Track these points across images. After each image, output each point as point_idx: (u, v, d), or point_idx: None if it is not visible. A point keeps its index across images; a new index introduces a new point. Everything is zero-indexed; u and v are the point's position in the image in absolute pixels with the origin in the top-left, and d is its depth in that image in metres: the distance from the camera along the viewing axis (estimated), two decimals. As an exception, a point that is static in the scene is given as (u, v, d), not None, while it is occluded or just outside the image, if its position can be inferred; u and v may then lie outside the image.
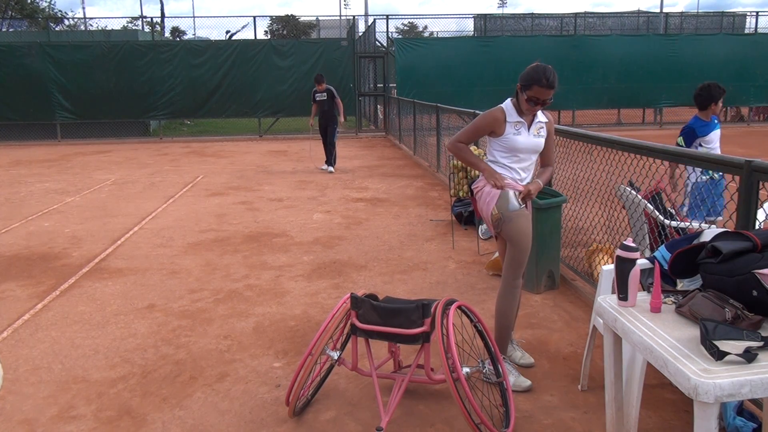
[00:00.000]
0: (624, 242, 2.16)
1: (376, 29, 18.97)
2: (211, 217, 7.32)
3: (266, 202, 8.15)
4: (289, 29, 40.64)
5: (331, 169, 10.95)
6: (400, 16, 70.31)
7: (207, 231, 6.62)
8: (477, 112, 7.47)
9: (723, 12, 37.23)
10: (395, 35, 20.58)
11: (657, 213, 4.21)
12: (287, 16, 40.36)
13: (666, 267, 2.36)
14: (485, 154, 3.45)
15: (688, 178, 4.62)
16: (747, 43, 18.75)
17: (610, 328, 2.19)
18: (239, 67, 17.10)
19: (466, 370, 2.52)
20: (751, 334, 1.81)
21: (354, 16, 20.13)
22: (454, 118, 9.25)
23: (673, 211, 4.45)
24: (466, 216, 6.57)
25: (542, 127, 3.16)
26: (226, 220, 7.11)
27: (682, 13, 37.92)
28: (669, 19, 28.00)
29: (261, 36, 35.75)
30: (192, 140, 17.38)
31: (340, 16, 40.03)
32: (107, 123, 17.28)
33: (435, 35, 27.90)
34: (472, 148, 6.00)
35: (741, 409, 2.54)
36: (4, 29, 27.31)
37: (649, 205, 4.23)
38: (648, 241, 4.25)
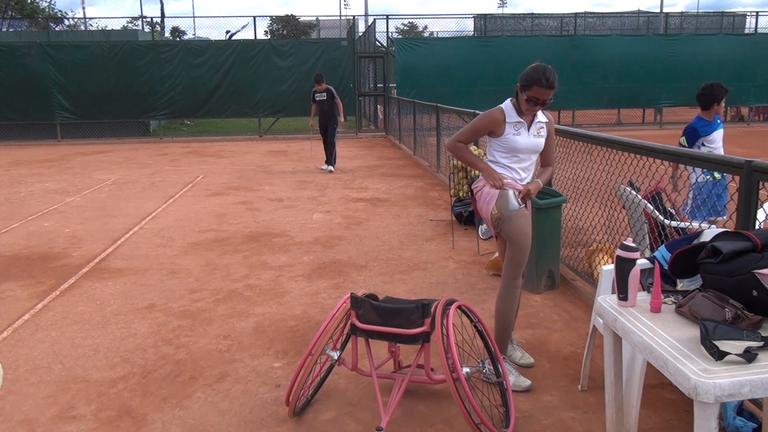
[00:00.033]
0: (624, 242, 2.16)
1: (376, 29, 18.98)
2: (211, 217, 7.32)
3: (266, 202, 8.16)
4: (289, 29, 40.64)
5: (330, 168, 10.95)
6: (400, 16, 70.34)
7: (207, 231, 6.62)
8: (477, 112, 7.47)
9: (723, 12, 37.23)
10: (395, 35, 20.58)
11: (657, 213, 4.21)
12: (287, 16, 40.37)
13: (666, 267, 2.36)
14: (485, 154, 3.45)
15: (688, 178, 4.62)
16: (747, 43, 18.75)
17: (610, 328, 2.19)
18: (239, 67, 17.10)
19: (466, 370, 2.52)
20: (751, 334, 1.81)
21: (354, 16, 20.15)
22: (454, 118, 9.25)
23: (673, 211, 4.45)
24: (466, 216, 6.57)
25: (542, 127, 3.16)
26: (226, 220, 7.11)
27: (682, 13, 37.93)
28: (669, 19, 28.01)
29: (261, 36, 35.76)
30: (192, 140, 17.38)
31: (340, 16, 40.06)
32: (107, 123, 17.28)
33: (435, 35, 27.91)
34: (472, 148, 6.01)
35: (741, 409, 2.54)
36: (4, 29, 27.32)
37: (649, 205, 4.24)
38: (648, 241, 4.25)
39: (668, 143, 3.60)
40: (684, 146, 4.82)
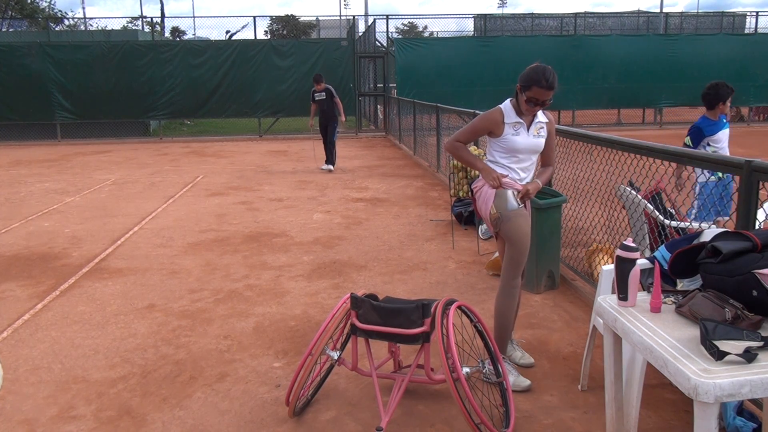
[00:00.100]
0: (624, 242, 2.16)
1: (376, 29, 18.99)
2: (211, 217, 7.32)
3: (266, 202, 8.16)
4: (289, 29, 40.64)
5: (330, 168, 10.95)
6: (400, 16, 70.35)
7: (207, 231, 6.62)
8: (477, 112, 7.47)
9: (723, 12, 37.24)
10: (395, 35, 20.58)
11: (657, 213, 4.21)
12: (287, 16, 40.37)
13: (666, 267, 2.36)
14: (485, 154, 3.45)
15: (694, 178, 4.61)
16: (747, 43, 18.75)
17: (610, 328, 2.19)
18: (239, 67, 17.10)
19: (466, 370, 2.52)
20: (751, 334, 1.81)
21: (354, 16, 20.15)
22: (454, 118, 9.25)
23: (673, 211, 4.44)
24: (466, 216, 6.57)
25: (542, 128, 3.16)
26: (226, 220, 7.11)
27: (682, 13, 37.93)
28: (669, 19, 28.01)
29: (261, 36, 35.77)
30: (192, 140, 17.38)
31: (340, 16, 40.05)
32: (107, 123, 17.28)
33: (435, 35, 27.91)
34: (472, 148, 6.01)
35: (741, 409, 2.54)
36: (4, 29, 27.31)
37: (649, 205, 4.23)
38: (648, 241, 4.25)
39: (668, 143, 3.60)
40: (689, 146, 4.81)
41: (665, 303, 2.13)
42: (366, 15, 28.85)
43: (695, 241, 2.38)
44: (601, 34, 23.85)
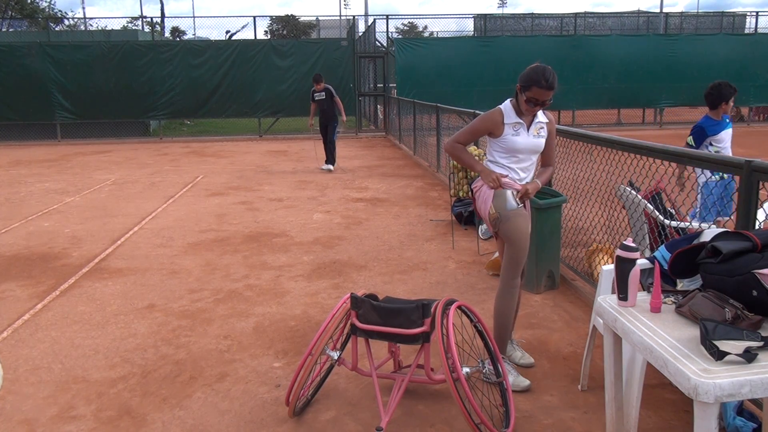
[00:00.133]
0: (624, 242, 2.16)
1: (376, 29, 18.98)
2: (211, 217, 7.32)
3: (266, 202, 8.16)
4: (289, 29, 40.65)
5: (330, 167, 10.96)
6: (400, 16, 70.37)
7: (207, 231, 6.62)
8: (477, 112, 7.47)
9: (723, 12, 37.24)
10: (395, 35, 20.58)
11: (657, 213, 4.21)
12: (287, 16, 40.38)
13: (666, 267, 2.36)
14: (485, 154, 3.45)
15: (696, 178, 4.60)
16: (747, 43, 18.75)
17: (610, 328, 2.19)
18: (239, 67, 17.10)
19: (466, 370, 2.52)
20: (751, 334, 1.81)
21: (354, 16, 20.14)
22: (454, 118, 9.25)
23: (673, 211, 4.44)
24: (466, 216, 6.57)
25: (542, 128, 3.16)
26: (226, 220, 7.12)
27: (682, 13, 37.94)
28: (669, 19, 28.01)
29: (261, 36, 35.77)
30: (192, 140, 17.38)
31: (340, 16, 40.06)
32: (107, 123, 17.28)
33: (435, 35, 27.91)
34: (472, 147, 6.01)
35: (741, 409, 2.54)
36: (4, 29, 27.32)
37: (649, 205, 4.23)
38: (648, 241, 4.25)
39: (668, 143, 3.60)
40: (691, 145, 4.80)
41: (665, 303, 2.13)
42: (366, 15, 28.85)
43: (695, 241, 2.38)
44: (601, 34, 23.85)
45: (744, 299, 1.96)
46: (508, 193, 3.07)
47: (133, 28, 29.87)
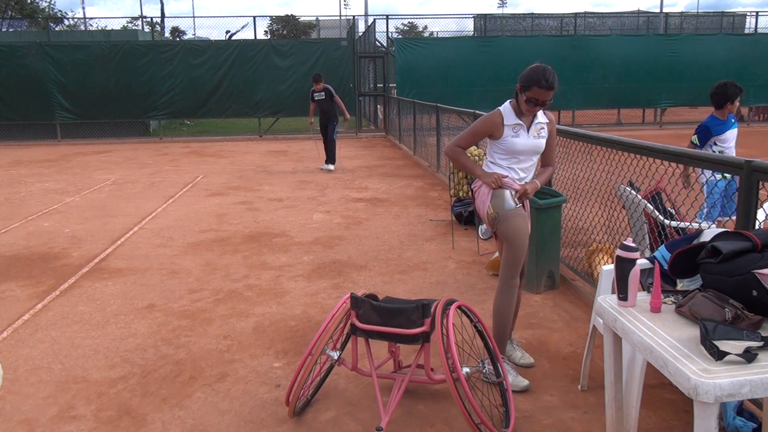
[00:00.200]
0: (624, 242, 2.16)
1: (376, 29, 18.98)
2: (211, 217, 7.32)
3: (266, 202, 8.16)
4: (289, 29, 40.65)
5: (331, 167, 10.96)
6: (400, 16, 70.39)
7: (207, 231, 6.62)
8: (477, 112, 7.47)
9: (723, 12, 37.25)
10: (395, 35, 20.58)
11: (657, 213, 4.21)
12: (287, 16, 40.38)
13: (666, 267, 2.36)
14: (485, 154, 3.45)
15: (702, 174, 4.59)
16: (747, 43, 18.75)
17: (610, 328, 2.19)
18: (239, 67, 17.09)
19: (466, 370, 2.52)
20: (751, 334, 1.81)
21: (354, 16, 20.12)
22: (454, 118, 9.25)
23: (673, 211, 4.44)
24: (466, 216, 6.57)
25: (543, 128, 3.16)
26: (226, 220, 7.12)
27: (682, 13, 37.94)
28: (669, 19, 28.01)
29: (261, 36, 35.77)
30: (192, 140, 17.38)
31: (340, 16, 40.06)
32: (107, 123, 17.28)
33: (435, 35, 27.91)
34: (472, 147, 6.00)
35: (741, 409, 2.54)
36: (4, 29, 27.31)
37: (649, 205, 4.23)
38: (648, 241, 4.25)
39: (668, 143, 3.60)
40: (696, 144, 4.80)
41: (665, 303, 2.13)
42: (366, 15, 28.85)
43: (695, 241, 2.38)
44: (601, 34, 23.84)
45: (744, 299, 1.96)
46: (507, 193, 3.07)
47: (133, 28, 29.89)
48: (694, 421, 1.72)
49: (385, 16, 18.38)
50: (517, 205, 3.08)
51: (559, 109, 17.33)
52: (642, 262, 2.30)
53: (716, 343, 1.75)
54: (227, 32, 25.21)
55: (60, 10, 36.73)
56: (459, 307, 2.77)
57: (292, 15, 40.39)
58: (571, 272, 4.75)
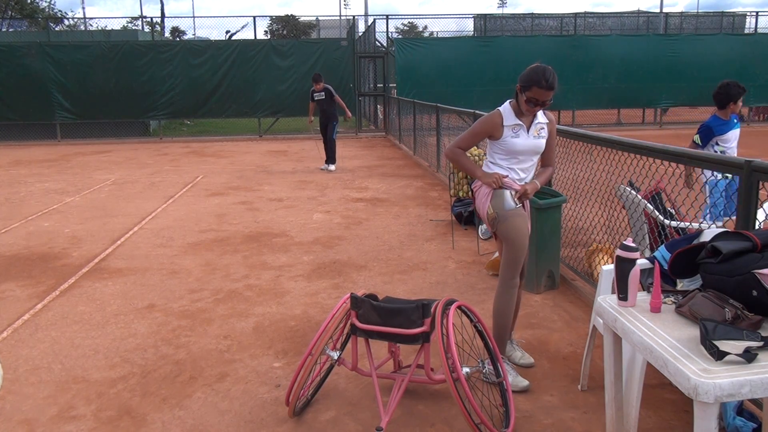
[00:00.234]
0: (624, 242, 2.16)
1: (376, 29, 18.98)
2: (211, 217, 7.32)
3: (266, 202, 8.16)
4: (289, 29, 40.65)
5: (332, 167, 10.97)
6: (400, 16, 70.40)
7: (207, 231, 6.62)
8: (477, 112, 7.47)
9: (723, 12, 37.25)
10: (395, 35, 20.58)
11: (657, 213, 4.21)
12: (287, 16, 40.38)
13: (666, 267, 2.36)
14: (485, 154, 3.45)
15: (702, 174, 4.58)
16: (747, 43, 18.74)
17: (610, 328, 2.19)
18: (239, 67, 17.09)
19: (466, 370, 2.52)
20: (751, 334, 1.81)
21: (354, 16, 20.12)
22: (454, 118, 9.25)
23: (673, 211, 4.44)
24: (466, 216, 6.57)
25: (543, 128, 3.16)
26: (226, 220, 7.12)
27: (682, 13, 37.95)
28: (669, 19, 28.01)
29: (261, 36, 35.77)
30: (192, 140, 17.38)
31: (340, 16, 40.06)
32: (107, 123, 17.28)
33: (435, 35, 27.91)
34: (472, 147, 6.01)
35: (741, 409, 2.54)
36: (4, 29, 27.31)
37: (649, 205, 4.23)
38: (648, 241, 4.25)
39: (668, 143, 3.60)
40: (698, 144, 4.80)
41: (665, 303, 2.13)
42: (366, 15, 28.85)
43: (695, 241, 2.38)
44: (601, 34, 23.84)
45: (744, 299, 1.96)
46: (507, 193, 3.07)
47: (133, 28, 29.89)
48: (694, 421, 1.72)
49: (385, 16, 18.39)
50: (517, 205, 3.08)
51: (559, 109, 17.33)
52: (642, 262, 2.30)
53: (716, 343, 1.75)
54: (227, 32, 25.23)
55: (60, 10, 36.75)
56: (459, 307, 2.77)
57: (292, 15, 40.42)
58: (571, 272, 4.75)
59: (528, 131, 3.11)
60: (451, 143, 3.30)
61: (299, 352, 3.57)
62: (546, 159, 3.29)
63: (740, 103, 4.76)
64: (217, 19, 40.30)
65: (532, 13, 33.14)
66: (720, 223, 3.58)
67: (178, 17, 73.42)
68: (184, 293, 4.65)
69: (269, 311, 4.25)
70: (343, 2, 77.21)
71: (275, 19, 42.22)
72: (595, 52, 17.99)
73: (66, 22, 32.11)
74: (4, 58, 16.33)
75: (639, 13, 33.97)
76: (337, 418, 2.86)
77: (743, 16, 27.86)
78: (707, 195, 4.56)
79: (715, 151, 4.80)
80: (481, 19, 22.88)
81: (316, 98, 10.91)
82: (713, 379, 1.64)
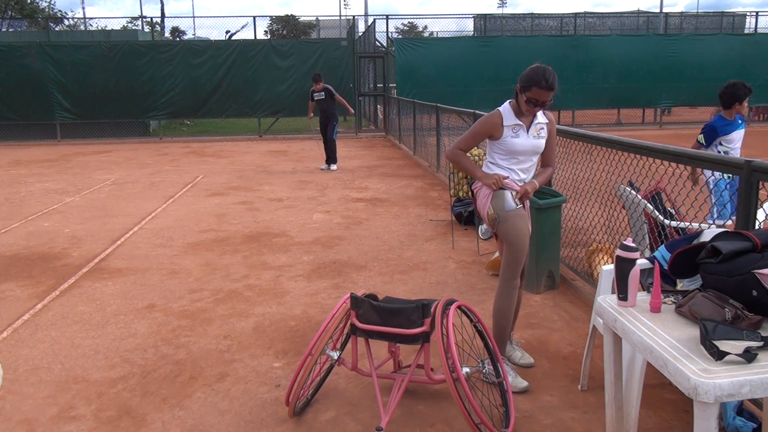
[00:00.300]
0: (624, 242, 2.16)
1: (376, 29, 18.99)
2: (211, 217, 7.32)
3: (266, 202, 8.16)
4: (289, 29, 40.65)
5: (333, 167, 10.98)
6: (400, 16, 70.40)
7: (207, 231, 6.62)
8: (477, 112, 7.47)
9: (723, 12, 37.25)
10: (395, 35, 20.58)
11: (657, 213, 4.21)
12: (287, 16, 40.38)
13: (666, 267, 2.36)
14: (484, 154, 3.45)
15: (702, 173, 4.57)
16: (747, 43, 18.74)
17: (610, 328, 2.19)
18: (239, 67, 17.10)
19: (466, 370, 2.52)
20: (751, 334, 1.81)
21: (354, 16, 20.12)
22: (454, 118, 9.25)
23: (673, 211, 4.44)
24: (466, 216, 6.57)
25: (542, 128, 3.16)
26: (226, 220, 7.11)
27: (682, 13, 37.95)
28: (669, 19, 28.01)
29: (261, 36, 35.76)
30: (192, 140, 17.38)
31: (340, 16, 40.06)
32: (107, 123, 17.28)
33: (435, 35, 27.92)
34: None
35: (741, 409, 2.54)
36: (4, 29, 27.31)
37: (649, 205, 4.23)
38: (648, 241, 4.25)
39: (668, 143, 3.60)
40: (702, 144, 4.79)
41: (665, 303, 2.13)
42: (366, 15, 28.86)
43: (695, 241, 2.38)
44: (601, 34, 23.85)
45: (744, 299, 1.96)
46: (507, 193, 3.07)
47: (133, 28, 29.89)
48: (694, 421, 1.72)
49: (385, 16, 18.39)
50: (517, 205, 3.08)
51: (559, 109, 17.33)
52: (642, 262, 2.30)
53: (716, 343, 1.75)
54: (227, 32, 25.24)
55: (60, 10, 36.73)
56: (459, 307, 2.77)
57: (292, 15, 40.41)
58: (571, 272, 4.75)
59: (528, 131, 3.11)
60: (451, 144, 3.30)
61: (299, 352, 3.57)
62: (546, 159, 3.29)
63: (746, 104, 4.75)
64: (217, 19, 40.37)
65: (532, 13, 33.14)
66: (721, 222, 3.58)
67: (178, 17, 73.44)
68: (184, 293, 4.65)
69: (269, 311, 4.25)
70: (343, 2, 77.28)
71: (275, 19, 42.22)
72: (595, 52, 17.99)
73: (66, 22, 32.14)
74: (4, 58, 16.33)
75: (639, 13, 33.97)
76: (337, 418, 2.86)
77: (743, 16, 27.87)
78: (711, 195, 4.55)
79: (719, 152, 4.78)
80: (481, 19, 22.88)
81: (316, 98, 10.91)
82: (713, 379, 1.64)
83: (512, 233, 3.05)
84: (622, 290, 2.15)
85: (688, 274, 2.30)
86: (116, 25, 54.75)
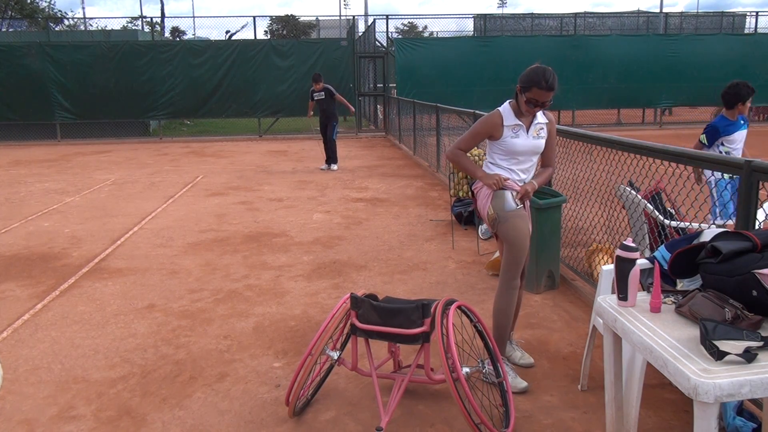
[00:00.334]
0: (624, 242, 2.16)
1: (376, 29, 18.98)
2: (211, 217, 7.32)
3: (266, 202, 8.16)
4: (288, 29, 40.65)
5: (334, 167, 10.98)
6: (400, 16, 70.42)
7: (207, 231, 6.62)
8: (477, 112, 7.47)
9: (723, 12, 37.25)
10: (395, 35, 20.58)
11: (657, 213, 4.21)
12: (287, 16, 40.38)
13: (666, 267, 2.36)
14: (484, 153, 3.45)
15: (711, 174, 4.57)
16: (747, 43, 18.75)
17: (610, 328, 2.19)
18: (239, 67, 17.10)
19: (466, 370, 2.52)
20: (751, 334, 1.81)
21: (354, 16, 20.12)
22: (454, 118, 9.24)
23: (672, 211, 4.44)
24: (466, 216, 6.57)
25: (542, 129, 3.16)
26: (226, 220, 7.11)
27: (682, 13, 37.95)
28: (669, 19, 28.01)
29: (261, 36, 35.77)
30: (192, 140, 17.38)
31: (340, 16, 40.06)
32: (107, 123, 17.28)
33: (435, 35, 27.92)
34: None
35: (741, 409, 2.54)
36: (4, 29, 27.31)
37: (649, 205, 4.23)
38: (648, 241, 4.25)
39: (668, 143, 3.60)
40: (704, 143, 4.78)
41: (665, 303, 2.13)
42: (366, 15, 28.86)
43: (695, 241, 2.38)
44: (601, 34, 23.86)
45: (744, 299, 1.96)
46: (507, 194, 3.08)
47: (133, 28, 29.89)
48: (694, 421, 1.72)
49: (385, 16, 18.39)
50: (518, 206, 3.08)
51: (559, 109, 17.33)
52: (642, 262, 2.30)
53: (716, 343, 1.75)
54: (227, 32, 25.25)
55: (60, 10, 36.73)
56: (459, 307, 2.77)
57: (292, 15, 40.41)
58: (571, 272, 4.75)
59: (528, 131, 3.11)
60: (451, 145, 3.30)
61: (299, 352, 3.57)
62: (546, 159, 3.29)
63: (748, 104, 4.74)
64: (217, 19, 40.38)
65: (532, 13, 33.14)
66: (722, 222, 3.58)
67: (178, 17, 73.41)
68: (184, 293, 4.65)
69: (269, 311, 4.25)
70: (343, 2, 77.29)
71: (275, 19, 42.22)
72: (595, 52, 17.99)
73: (66, 22, 32.13)
74: (4, 58, 16.33)
75: (639, 13, 33.97)
76: (337, 418, 2.86)
77: (743, 16, 27.87)
78: (714, 195, 4.55)
79: (720, 152, 4.77)
80: (480, 19, 22.88)
81: (315, 98, 10.92)
82: (713, 379, 1.64)
83: (512, 233, 3.05)
84: (622, 290, 2.15)
85: (688, 274, 2.30)
86: (116, 25, 54.76)
